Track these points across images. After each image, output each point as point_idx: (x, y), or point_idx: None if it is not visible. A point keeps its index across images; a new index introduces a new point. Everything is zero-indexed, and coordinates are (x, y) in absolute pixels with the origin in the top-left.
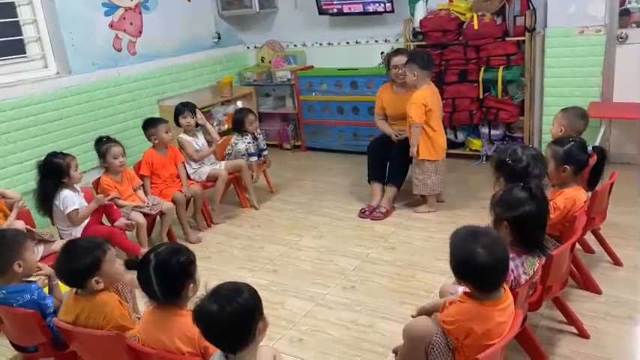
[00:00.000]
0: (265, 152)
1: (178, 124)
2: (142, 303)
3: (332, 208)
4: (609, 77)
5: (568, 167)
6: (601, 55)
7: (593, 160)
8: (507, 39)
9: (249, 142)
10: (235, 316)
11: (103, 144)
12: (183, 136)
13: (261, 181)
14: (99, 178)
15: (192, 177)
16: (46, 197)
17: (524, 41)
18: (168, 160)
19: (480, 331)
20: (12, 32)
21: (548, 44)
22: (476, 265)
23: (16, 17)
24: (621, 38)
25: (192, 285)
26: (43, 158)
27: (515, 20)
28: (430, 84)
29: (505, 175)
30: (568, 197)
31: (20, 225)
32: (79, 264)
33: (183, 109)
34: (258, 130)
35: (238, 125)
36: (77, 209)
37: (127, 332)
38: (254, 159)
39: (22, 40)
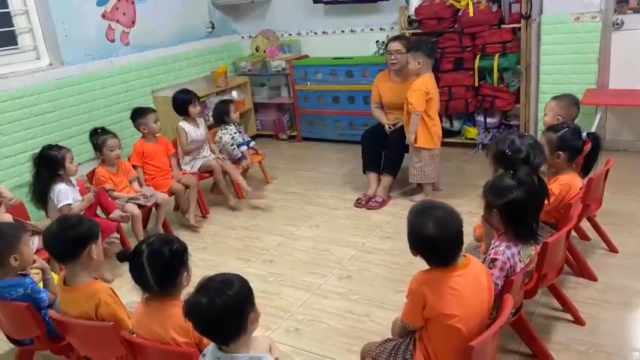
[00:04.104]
0: (252, 143)
1: (187, 114)
2: (132, 296)
3: (328, 197)
4: (605, 64)
5: (562, 154)
6: (597, 42)
7: (587, 146)
8: (503, 26)
9: (235, 132)
10: (225, 308)
11: (98, 136)
12: (183, 125)
13: (256, 172)
14: (94, 170)
15: (184, 169)
16: (41, 190)
17: (519, 28)
18: (159, 148)
19: (432, 297)
20: (3, 23)
21: (544, 31)
22: (425, 238)
23: (7, 8)
24: (617, 24)
25: (185, 274)
26: (37, 151)
27: (511, 7)
28: (431, 74)
29: (504, 167)
30: (563, 183)
31: (7, 218)
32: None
33: (194, 97)
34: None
35: (222, 116)
36: (70, 204)
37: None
38: (244, 148)
39: (13, 31)
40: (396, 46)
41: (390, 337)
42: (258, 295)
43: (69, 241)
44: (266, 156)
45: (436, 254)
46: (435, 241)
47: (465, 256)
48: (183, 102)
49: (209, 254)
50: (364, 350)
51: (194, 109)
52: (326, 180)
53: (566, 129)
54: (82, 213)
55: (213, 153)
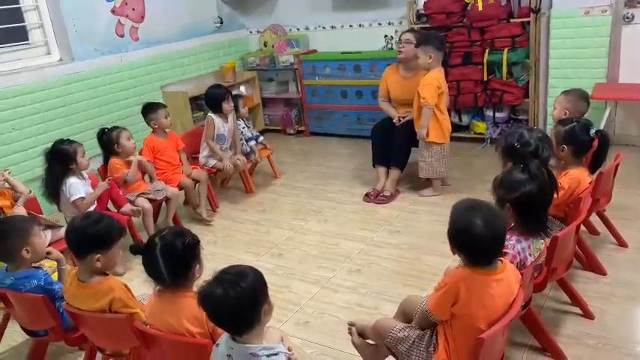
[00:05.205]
0: (261, 138)
1: (220, 110)
2: (144, 289)
3: (336, 192)
4: (615, 58)
5: (566, 147)
6: (606, 36)
7: (595, 143)
8: (512, 20)
9: (244, 127)
10: (239, 299)
11: (110, 132)
12: (213, 116)
13: (265, 167)
14: (105, 165)
15: (200, 160)
16: (53, 184)
17: (529, 22)
18: (169, 143)
19: (466, 295)
20: (14, 19)
21: (553, 25)
22: (472, 236)
23: (18, 4)
24: (627, 18)
25: (198, 266)
26: (49, 145)
27: (520, 1)
28: (441, 68)
29: (513, 161)
30: (573, 177)
31: (22, 211)
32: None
33: (227, 93)
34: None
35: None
36: (82, 197)
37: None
38: (252, 143)
39: (24, 26)
40: (407, 36)
41: (413, 324)
42: (268, 288)
43: (82, 238)
44: (274, 151)
45: (481, 253)
46: (482, 240)
47: (501, 260)
48: (216, 97)
49: (219, 248)
50: (381, 326)
51: (227, 106)
52: (334, 174)
53: (575, 123)
54: (94, 205)
55: (233, 152)
